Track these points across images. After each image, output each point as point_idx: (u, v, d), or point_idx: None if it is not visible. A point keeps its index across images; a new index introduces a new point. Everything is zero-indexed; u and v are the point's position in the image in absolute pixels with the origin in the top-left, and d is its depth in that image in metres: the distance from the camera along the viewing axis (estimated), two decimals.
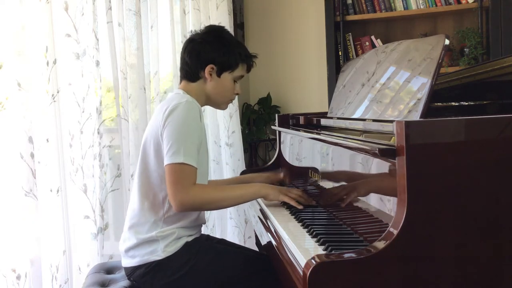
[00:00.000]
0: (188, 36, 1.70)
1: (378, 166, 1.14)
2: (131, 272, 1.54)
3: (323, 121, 1.90)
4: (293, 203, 1.57)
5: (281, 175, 1.99)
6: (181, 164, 1.44)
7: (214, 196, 1.52)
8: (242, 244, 2.88)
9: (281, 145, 2.25)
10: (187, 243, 1.53)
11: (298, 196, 1.61)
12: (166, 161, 1.46)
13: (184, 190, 1.44)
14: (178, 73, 2.65)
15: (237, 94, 1.71)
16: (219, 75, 1.63)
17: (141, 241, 1.52)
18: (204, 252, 1.54)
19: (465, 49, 3.02)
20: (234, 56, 1.64)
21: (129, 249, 1.54)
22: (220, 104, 1.73)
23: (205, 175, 1.63)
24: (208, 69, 1.61)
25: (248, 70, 1.72)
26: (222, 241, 1.82)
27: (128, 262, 1.55)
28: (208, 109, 2.83)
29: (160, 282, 1.49)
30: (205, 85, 1.64)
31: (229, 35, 1.70)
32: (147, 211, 1.53)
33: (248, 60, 1.69)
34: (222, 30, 1.71)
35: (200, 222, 1.63)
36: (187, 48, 1.65)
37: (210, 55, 1.61)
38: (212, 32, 1.67)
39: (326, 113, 2.03)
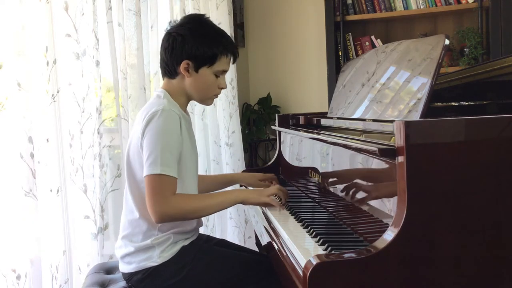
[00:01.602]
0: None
1: (378, 166, 1.14)
2: (128, 277, 1.53)
3: (323, 121, 1.90)
4: (274, 203, 1.55)
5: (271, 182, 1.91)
6: (159, 175, 1.39)
7: (194, 205, 1.47)
8: (242, 244, 2.88)
9: (281, 145, 2.25)
10: (183, 247, 1.51)
11: (278, 190, 1.58)
12: (145, 172, 1.42)
13: (163, 201, 1.40)
14: None
15: (221, 88, 1.59)
16: (196, 70, 1.51)
17: (137, 249, 1.50)
18: (201, 255, 1.52)
19: (465, 49, 3.02)
20: (211, 49, 1.51)
21: (125, 255, 1.53)
22: (204, 100, 1.62)
23: (192, 183, 1.58)
24: (183, 65, 1.50)
25: (234, 62, 1.59)
26: (222, 242, 1.81)
27: (125, 268, 1.54)
28: (208, 109, 2.83)
29: (158, 287, 1.48)
30: (184, 81, 1.54)
31: (206, 25, 1.56)
32: (140, 221, 1.50)
33: (229, 51, 1.55)
34: (199, 20, 1.57)
35: (198, 226, 1.61)
36: (163, 43, 1.55)
37: (184, 50, 1.49)
38: (187, 24, 1.54)
39: (326, 113, 2.03)
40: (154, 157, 1.40)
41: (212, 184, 1.88)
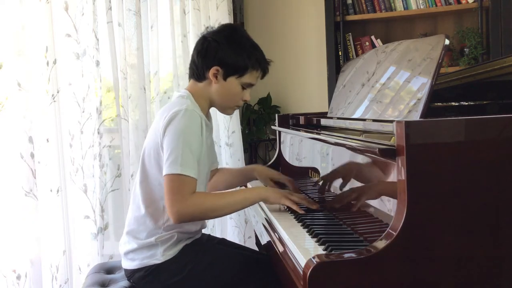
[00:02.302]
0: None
1: (378, 166, 1.14)
2: (130, 274, 1.53)
3: (323, 121, 1.90)
4: (294, 207, 1.49)
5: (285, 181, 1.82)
6: (178, 175, 1.38)
7: (214, 203, 1.45)
8: (242, 244, 2.88)
9: (281, 145, 2.25)
10: (186, 246, 1.52)
11: (301, 199, 1.53)
12: (164, 171, 1.40)
13: (182, 200, 1.37)
14: (178, 73, 2.67)
15: (245, 101, 1.59)
16: (225, 78, 1.52)
17: (140, 246, 1.50)
18: (204, 254, 1.52)
19: (465, 49, 3.02)
20: (244, 60, 1.51)
21: (128, 252, 1.53)
22: (225, 109, 1.62)
23: (201, 188, 1.55)
24: (213, 70, 1.51)
25: (262, 77, 1.58)
26: (223, 241, 1.81)
27: (127, 264, 1.54)
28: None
29: (160, 285, 1.48)
30: (210, 87, 1.54)
31: (242, 36, 1.57)
32: (146, 219, 1.50)
33: (260, 66, 1.55)
34: (236, 29, 1.59)
35: (203, 227, 1.62)
36: (197, 46, 1.56)
37: (217, 56, 1.50)
38: (224, 32, 1.56)
39: (326, 113, 2.03)
40: (175, 157, 1.39)
41: (235, 177, 1.85)
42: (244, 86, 1.55)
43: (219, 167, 1.85)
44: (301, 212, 1.48)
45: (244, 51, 1.52)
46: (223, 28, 1.59)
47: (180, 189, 1.39)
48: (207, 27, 1.66)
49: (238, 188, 1.87)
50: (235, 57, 1.51)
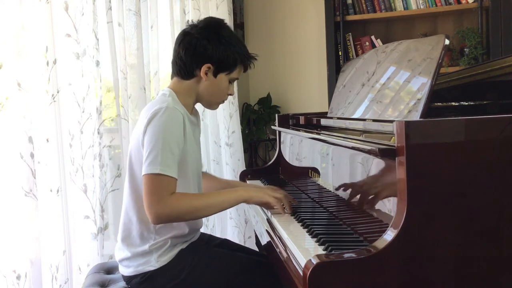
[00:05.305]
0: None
1: (378, 166, 1.14)
2: (128, 280, 1.53)
3: (323, 121, 1.90)
4: (278, 206, 1.48)
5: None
6: (157, 174, 1.36)
7: (193, 205, 1.42)
8: (242, 243, 2.88)
9: (281, 145, 2.25)
10: (181, 251, 1.50)
11: (285, 196, 1.52)
12: (143, 171, 1.38)
13: (160, 201, 1.35)
14: None
15: (229, 95, 1.61)
16: (215, 75, 1.52)
17: (134, 254, 1.48)
18: (200, 258, 1.50)
19: (465, 49, 3.02)
20: (233, 56, 1.52)
21: (123, 259, 1.52)
22: (211, 105, 1.63)
23: (195, 184, 1.55)
24: (204, 68, 1.49)
25: (245, 71, 1.60)
26: (224, 242, 1.79)
27: (123, 270, 1.53)
28: (208, 109, 2.83)
29: None
30: (199, 84, 1.53)
31: (228, 31, 1.56)
32: (137, 223, 1.48)
33: (247, 61, 1.57)
34: (221, 25, 1.56)
35: (196, 228, 1.60)
36: (183, 42, 1.52)
37: (207, 53, 1.49)
38: (211, 28, 1.53)
39: (326, 113, 2.03)
40: (154, 156, 1.37)
41: (221, 186, 1.83)
42: (231, 81, 1.57)
43: (206, 171, 1.82)
44: (285, 213, 1.48)
45: (233, 47, 1.52)
46: (209, 24, 1.55)
47: (158, 190, 1.37)
48: (188, 21, 1.63)
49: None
50: (227, 54, 1.51)
